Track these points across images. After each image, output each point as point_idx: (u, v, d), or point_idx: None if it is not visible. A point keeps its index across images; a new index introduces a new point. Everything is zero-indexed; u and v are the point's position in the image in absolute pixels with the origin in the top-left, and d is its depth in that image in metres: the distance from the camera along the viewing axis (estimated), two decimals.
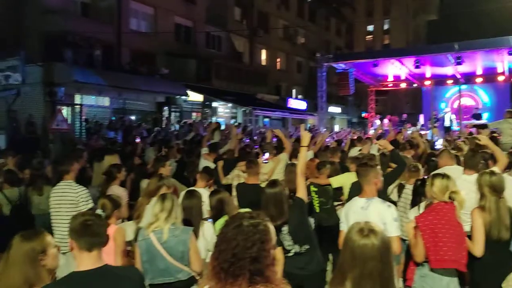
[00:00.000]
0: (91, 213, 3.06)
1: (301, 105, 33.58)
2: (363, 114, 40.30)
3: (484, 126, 9.98)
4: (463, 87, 21.59)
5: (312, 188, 6.10)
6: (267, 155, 7.48)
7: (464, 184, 4.48)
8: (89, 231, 2.48)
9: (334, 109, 38.87)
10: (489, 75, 21.64)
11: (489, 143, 5.29)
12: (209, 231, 4.13)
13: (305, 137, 4.15)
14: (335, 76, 22.78)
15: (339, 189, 5.86)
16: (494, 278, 3.62)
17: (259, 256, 1.82)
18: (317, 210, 6.06)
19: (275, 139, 9.42)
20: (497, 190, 3.76)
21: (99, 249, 2.51)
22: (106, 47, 19.53)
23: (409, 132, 20.33)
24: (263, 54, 33.40)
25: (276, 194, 3.80)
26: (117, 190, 5.36)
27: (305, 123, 34.69)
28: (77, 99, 17.92)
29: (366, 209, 3.75)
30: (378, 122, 23.56)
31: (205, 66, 24.38)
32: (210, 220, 4.34)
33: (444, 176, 3.76)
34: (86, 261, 2.45)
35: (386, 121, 23.30)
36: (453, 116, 19.08)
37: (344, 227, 3.91)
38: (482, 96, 23.27)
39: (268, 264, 1.84)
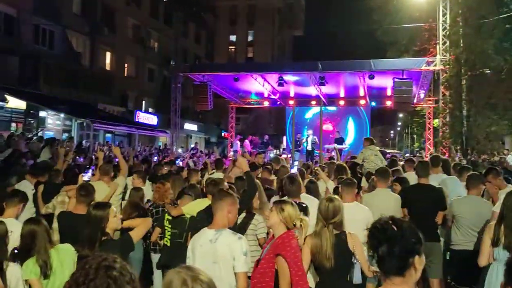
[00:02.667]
0: None
1: (152, 119, 33.25)
2: (223, 134, 41.53)
3: (357, 164, 11.10)
4: (327, 109, 23.63)
5: (167, 217, 5.98)
6: (89, 174, 7.19)
7: None
8: None
9: (190, 126, 39.28)
10: (352, 98, 24.09)
11: (320, 172, 6.00)
12: (14, 275, 3.80)
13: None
14: (192, 88, 23.05)
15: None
16: None
17: None
18: (168, 243, 5.94)
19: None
20: (324, 217, 4.18)
21: None
22: None
23: (271, 155, 21.55)
24: (108, 57, 32.38)
25: (103, 218, 3.70)
26: None
27: (156, 140, 34.41)
28: None
29: (214, 242, 3.77)
30: (238, 143, 24.42)
31: (32, 66, 22.89)
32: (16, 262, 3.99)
33: (292, 203, 4.09)
34: None
35: (247, 142, 24.27)
36: (316, 139, 20.65)
37: (190, 263, 3.89)
38: (345, 120, 25.70)
39: None
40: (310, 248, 4.11)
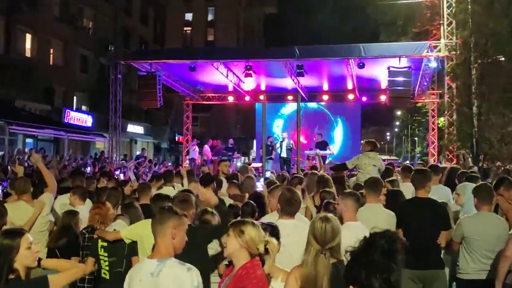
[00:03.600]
0: None
1: (86, 120, 33.00)
2: (177, 137, 41.34)
3: (343, 167, 11.06)
4: (306, 105, 23.76)
5: (101, 243, 5.95)
6: None
7: (281, 229, 4.96)
8: None
9: (135, 129, 39.05)
10: (338, 92, 24.29)
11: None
12: None
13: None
14: (137, 80, 22.89)
15: (135, 244, 5.75)
16: None
17: None
18: (106, 275, 5.92)
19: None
20: (320, 241, 4.14)
21: None
22: None
23: (238, 163, 21.48)
24: (28, 41, 31.95)
25: (11, 249, 3.68)
26: None
27: (91, 146, 34.01)
28: None
29: (157, 275, 3.73)
30: (196, 149, 24.33)
31: None
32: None
33: (253, 222, 4.10)
34: None
35: (206, 147, 24.23)
36: (292, 144, 20.70)
37: None
38: (330, 120, 25.85)
39: None
40: (300, 281, 3.99)
